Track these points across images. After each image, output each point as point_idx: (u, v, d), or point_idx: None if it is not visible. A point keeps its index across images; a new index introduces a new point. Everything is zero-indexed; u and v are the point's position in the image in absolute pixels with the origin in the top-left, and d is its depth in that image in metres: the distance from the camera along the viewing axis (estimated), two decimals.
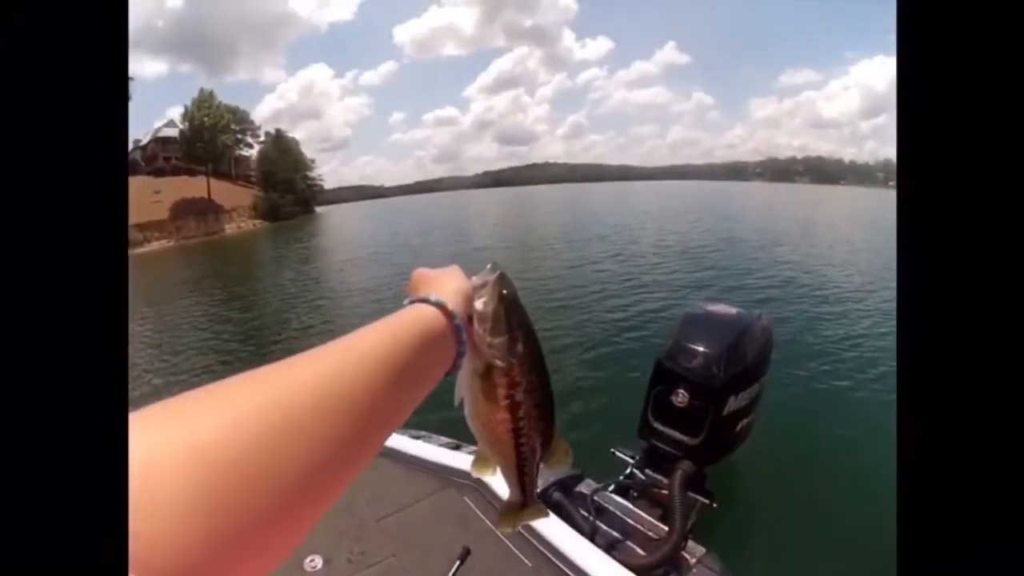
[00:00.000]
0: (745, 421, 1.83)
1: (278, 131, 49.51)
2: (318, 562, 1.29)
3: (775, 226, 19.14)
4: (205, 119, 39.38)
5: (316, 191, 51.49)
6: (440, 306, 0.40)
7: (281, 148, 47.09)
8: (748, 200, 39.62)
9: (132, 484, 0.19)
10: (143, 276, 16.14)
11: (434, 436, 1.91)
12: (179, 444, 0.22)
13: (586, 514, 1.62)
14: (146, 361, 6.37)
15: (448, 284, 0.42)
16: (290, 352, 0.31)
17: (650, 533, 1.61)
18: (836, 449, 3.29)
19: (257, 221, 39.90)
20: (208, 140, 39.64)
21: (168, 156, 41.38)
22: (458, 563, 1.25)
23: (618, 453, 1.95)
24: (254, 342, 7.21)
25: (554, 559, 1.28)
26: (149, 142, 42.50)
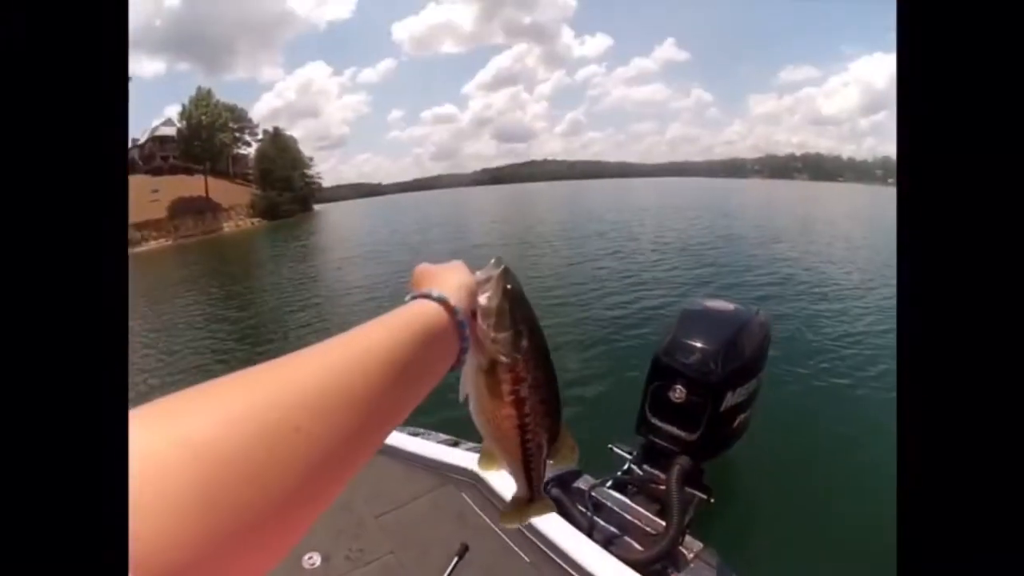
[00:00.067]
0: (742, 417, 1.83)
1: (276, 129, 49.43)
2: (316, 559, 1.29)
3: (774, 223, 19.15)
4: (203, 118, 39.29)
5: (314, 189, 51.47)
6: (442, 302, 0.39)
7: (279, 146, 46.98)
8: (747, 197, 39.65)
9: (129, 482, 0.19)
10: (141, 275, 16.10)
11: (432, 433, 1.92)
12: (175, 442, 0.22)
13: (584, 510, 1.63)
14: (143, 361, 6.35)
15: (451, 279, 0.42)
16: (287, 351, 0.31)
17: (648, 528, 1.62)
18: (834, 446, 3.30)
19: (255, 219, 39.85)
20: (206, 139, 39.55)
21: (166, 155, 41.24)
22: (456, 559, 1.25)
23: (616, 449, 1.96)
24: (251, 341, 7.20)
25: (552, 555, 1.28)
26: (147, 141, 42.32)
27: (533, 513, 0.50)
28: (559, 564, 1.26)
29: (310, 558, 1.29)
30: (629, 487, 1.84)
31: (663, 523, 1.60)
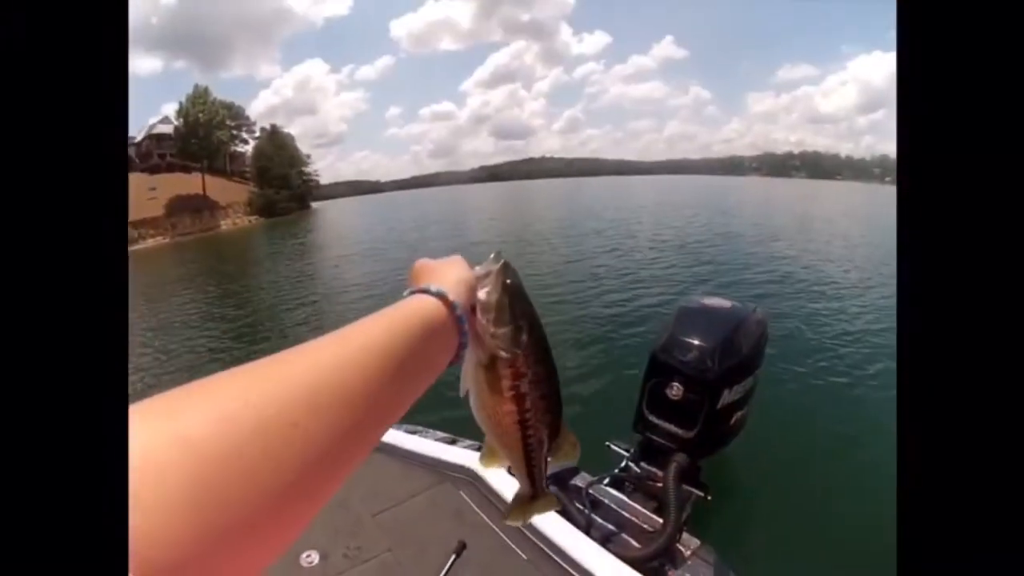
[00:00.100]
0: (739, 414, 1.83)
1: (273, 127, 49.44)
2: (314, 557, 1.29)
3: (772, 221, 19.18)
4: (200, 115, 39.22)
5: (311, 187, 51.33)
6: (441, 296, 0.39)
7: (276, 144, 46.88)
8: (745, 195, 39.70)
9: None
10: (138, 274, 16.04)
11: (430, 431, 1.92)
12: (172, 439, 0.22)
13: (581, 507, 1.63)
14: (139, 359, 6.33)
15: (450, 274, 0.42)
16: (283, 349, 0.30)
17: (645, 526, 1.62)
18: (831, 444, 3.31)
19: (252, 217, 39.78)
20: (203, 136, 39.50)
21: (163, 153, 41.10)
22: (454, 557, 1.26)
23: (613, 446, 1.96)
24: (247, 339, 7.18)
25: (550, 552, 1.28)
26: (144, 139, 42.12)
27: (537, 510, 0.50)
28: (557, 561, 1.26)
29: (308, 556, 1.29)
30: (626, 484, 1.84)
31: (660, 520, 1.60)
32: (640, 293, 7.61)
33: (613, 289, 7.96)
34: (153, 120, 43.69)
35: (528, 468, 0.46)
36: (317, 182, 55.44)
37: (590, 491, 1.70)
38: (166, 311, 9.46)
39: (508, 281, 0.43)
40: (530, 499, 0.49)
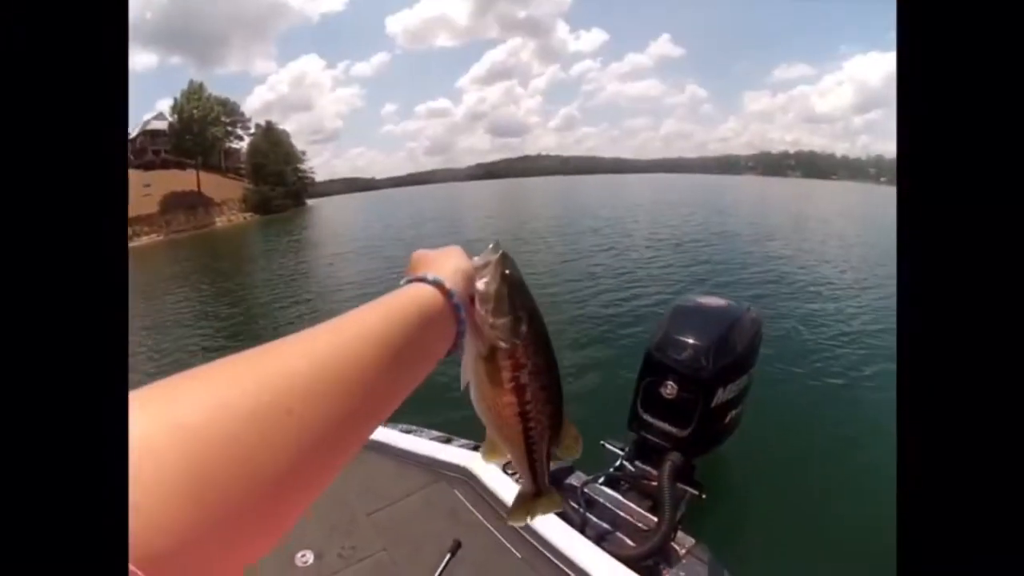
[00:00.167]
0: (733, 413, 1.84)
1: (268, 123, 49.17)
2: (309, 557, 1.29)
3: (768, 220, 19.24)
4: (195, 111, 38.95)
5: (307, 183, 51.24)
6: (438, 284, 0.39)
7: (272, 140, 46.67)
8: (741, 194, 39.83)
9: None
10: (133, 272, 15.91)
11: (425, 430, 1.92)
12: (168, 425, 0.22)
13: (576, 506, 1.63)
14: (132, 359, 6.28)
15: (447, 264, 0.41)
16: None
17: (640, 524, 1.63)
18: (827, 444, 3.33)
19: (247, 214, 39.64)
20: (198, 133, 39.24)
21: (157, 149, 40.86)
22: (449, 556, 1.26)
23: (608, 445, 1.96)
24: (242, 337, 7.14)
25: (544, 551, 1.28)
26: (138, 135, 41.84)
27: (540, 508, 0.49)
28: (551, 560, 1.26)
29: (303, 556, 1.29)
30: (621, 483, 1.84)
31: (655, 519, 1.60)
32: (636, 292, 7.62)
33: (609, 288, 7.96)
34: (148, 116, 43.59)
35: (530, 461, 0.46)
36: (312, 179, 55.42)
37: (585, 490, 1.70)
38: (160, 309, 9.41)
39: (507, 271, 0.42)
40: (533, 497, 0.48)
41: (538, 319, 0.43)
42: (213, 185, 39.66)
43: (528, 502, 0.49)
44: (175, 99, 39.60)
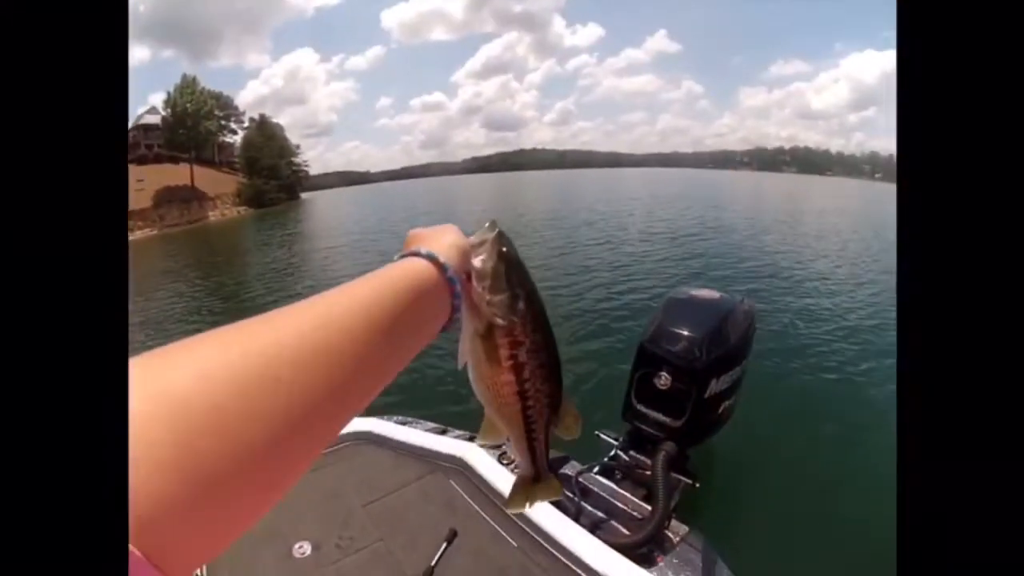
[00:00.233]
0: (727, 403, 1.86)
1: (262, 117, 48.64)
2: (306, 548, 1.29)
3: (763, 215, 19.24)
4: (188, 105, 38.48)
5: (301, 177, 50.87)
6: (431, 258, 0.38)
7: (265, 134, 46.25)
8: (736, 189, 39.76)
9: None
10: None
11: (420, 421, 1.92)
12: (154, 394, 0.22)
13: (571, 495, 1.65)
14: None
15: (442, 239, 0.41)
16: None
17: (634, 513, 1.64)
18: (820, 435, 3.35)
19: (241, 208, 39.29)
20: (191, 127, 38.80)
21: (150, 143, 40.29)
22: (445, 545, 1.27)
23: (602, 435, 1.98)
24: None
25: (540, 540, 1.30)
26: (131, 129, 41.27)
27: (539, 495, 0.48)
28: (547, 549, 1.28)
29: (300, 547, 1.29)
30: (615, 473, 1.86)
31: (649, 508, 1.62)
32: (631, 285, 7.62)
33: (604, 281, 7.96)
34: (141, 110, 42.86)
35: (529, 442, 0.45)
36: (306, 172, 55.07)
37: (580, 479, 1.72)
38: (155, 305, 9.34)
39: (504, 248, 0.42)
40: (531, 482, 0.48)
41: (536, 296, 0.42)
42: (207, 179, 39.25)
43: (527, 487, 0.48)
44: (168, 93, 39.13)
